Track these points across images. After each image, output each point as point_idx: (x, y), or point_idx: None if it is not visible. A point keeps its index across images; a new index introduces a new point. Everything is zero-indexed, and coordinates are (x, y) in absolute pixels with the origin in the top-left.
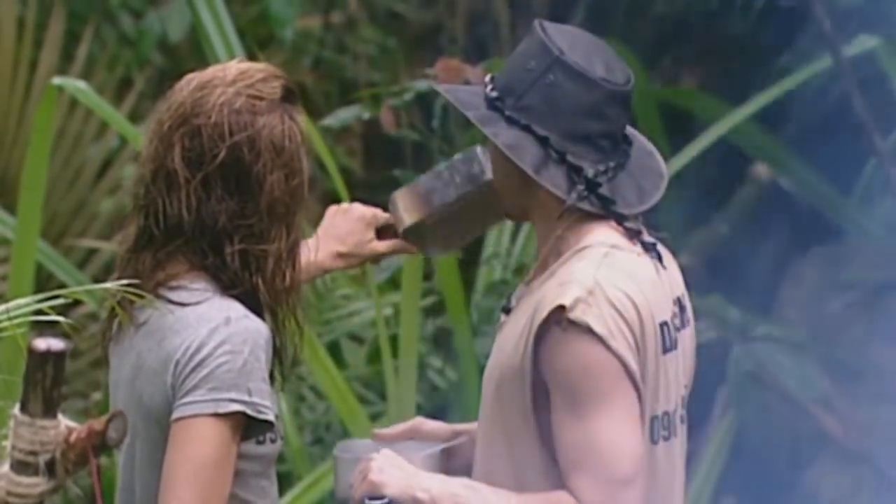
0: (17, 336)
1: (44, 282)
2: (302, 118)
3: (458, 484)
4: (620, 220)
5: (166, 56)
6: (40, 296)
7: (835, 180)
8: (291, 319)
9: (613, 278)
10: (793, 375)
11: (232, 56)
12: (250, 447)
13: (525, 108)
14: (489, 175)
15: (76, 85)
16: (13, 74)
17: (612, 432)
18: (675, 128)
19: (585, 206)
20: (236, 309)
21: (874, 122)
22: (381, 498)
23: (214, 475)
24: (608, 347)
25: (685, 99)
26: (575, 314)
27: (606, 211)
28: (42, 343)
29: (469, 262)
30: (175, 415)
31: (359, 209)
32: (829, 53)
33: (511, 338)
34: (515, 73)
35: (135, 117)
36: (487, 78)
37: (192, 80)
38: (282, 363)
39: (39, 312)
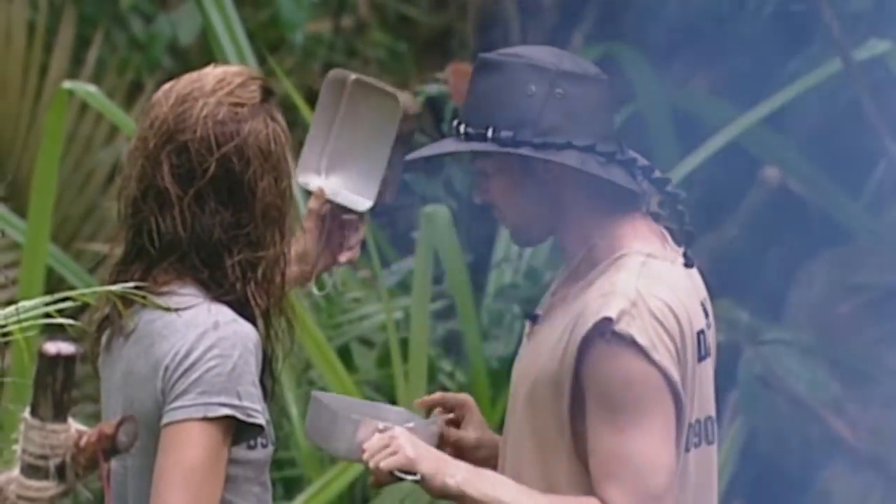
0: (27, 340)
1: (54, 285)
2: (282, 116)
3: (486, 476)
4: (675, 201)
5: (177, 60)
6: (49, 298)
7: (845, 183)
8: (283, 323)
9: (654, 289)
10: (803, 379)
11: (242, 60)
12: (241, 452)
13: (550, 130)
14: (354, 75)
15: (86, 89)
16: (24, 78)
17: (649, 446)
18: (686, 131)
19: (646, 198)
20: (225, 313)
21: (884, 125)
22: (413, 474)
23: (204, 479)
24: (651, 360)
25: (695, 102)
26: (620, 326)
27: (670, 196)
28: (52, 347)
29: (479, 266)
30: (165, 420)
31: None
32: (840, 57)
33: (546, 347)
34: (516, 105)
35: None
36: (463, 129)
37: (171, 92)
38: (272, 368)
39: (49, 315)
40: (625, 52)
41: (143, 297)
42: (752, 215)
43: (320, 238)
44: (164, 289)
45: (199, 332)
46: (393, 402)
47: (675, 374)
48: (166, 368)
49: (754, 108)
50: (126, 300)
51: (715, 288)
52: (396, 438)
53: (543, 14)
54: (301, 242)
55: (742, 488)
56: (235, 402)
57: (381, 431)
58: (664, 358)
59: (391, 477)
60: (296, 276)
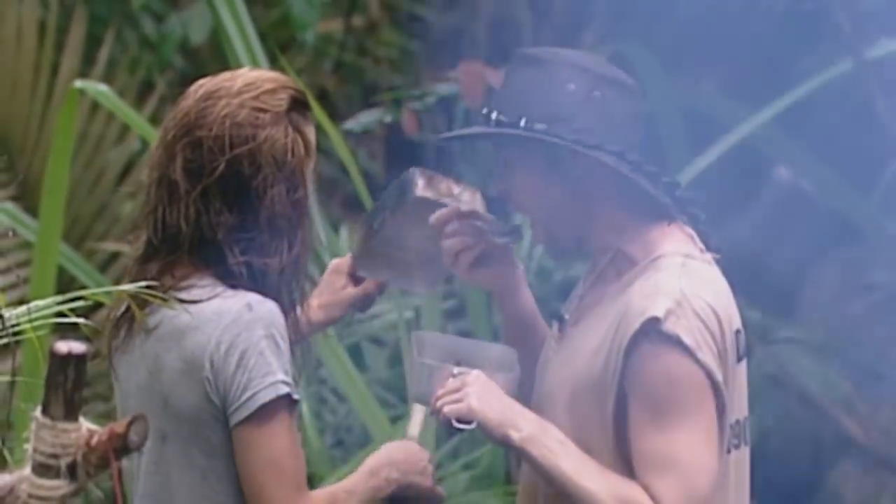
0: (39, 339)
1: (66, 285)
2: (311, 129)
3: (551, 435)
4: (696, 221)
5: (188, 59)
6: (61, 297)
7: (856, 182)
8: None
9: (697, 289)
10: (814, 378)
11: (254, 59)
12: None
13: (582, 129)
14: (419, 192)
15: (98, 88)
16: (35, 78)
17: (695, 446)
18: (697, 130)
19: (672, 210)
20: (252, 295)
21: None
22: (469, 423)
23: (294, 457)
24: (696, 360)
25: (706, 102)
26: (666, 326)
27: (690, 215)
28: (63, 346)
29: None
30: (241, 415)
31: (335, 262)
32: (851, 56)
33: (584, 351)
34: (553, 100)
35: (156, 120)
36: (495, 116)
37: (201, 87)
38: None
39: (61, 315)
40: (635, 52)
41: (161, 298)
42: (764, 215)
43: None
44: (184, 283)
45: (234, 318)
46: (403, 400)
47: (718, 375)
48: (213, 361)
49: (765, 108)
50: (143, 299)
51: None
52: (467, 385)
53: (555, 13)
54: (342, 308)
55: (753, 487)
56: (286, 378)
57: (454, 376)
58: (708, 358)
59: (451, 426)
60: (322, 321)
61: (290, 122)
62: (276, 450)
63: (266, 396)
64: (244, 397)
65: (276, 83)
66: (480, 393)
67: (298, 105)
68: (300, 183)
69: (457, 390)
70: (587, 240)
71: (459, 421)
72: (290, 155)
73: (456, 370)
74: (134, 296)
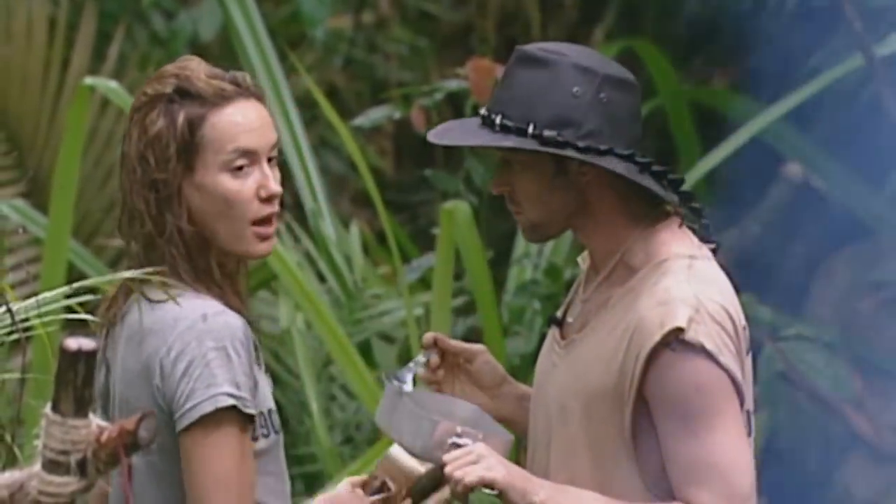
0: (49, 335)
1: (75, 281)
2: (196, 114)
3: (568, 491)
4: (699, 215)
5: (198, 55)
6: (68, 289)
7: (866, 179)
8: None
9: (708, 292)
10: (824, 375)
11: (263, 56)
12: None
13: (591, 133)
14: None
15: (108, 85)
16: (45, 74)
17: (731, 449)
18: (707, 127)
19: (682, 209)
20: (212, 305)
21: None
22: (492, 489)
23: (240, 473)
24: (718, 364)
25: (717, 99)
26: (689, 335)
27: (696, 213)
28: (73, 342)
29: (499, 262)
30: (183, 423)
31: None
32: (861, 53)
33: (596, 359)
34: (560, 104)
35: None
36: (500, 120)
37: None
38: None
39: (70, 309)
40: (645, 48)
41: (163, 283)
42: (774, 211)
43: None
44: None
45: (188, 326)
46: None
47: (738, 375)
48: (162, 366)
49: (776, 105)
50: (160, 280)
51: (736, 284)
52: (486, 458)
53: (564, 10)
54: None
55: (763, 484)
56: (235, 392)
57: (457, 435)
58: (729, 360)
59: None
60: None
61: (162, 106)
62: (221, 464)
63: (206, 408)
64: (186, 406)
65: (181, 71)
66: (501, 463)
67: (186, 93)
68: (159, 164)
69: (474, 462)
70: (578, 234)
71: (487, 487)
72: (142, 135)
73: (459, 429)
74: (132, 285)
